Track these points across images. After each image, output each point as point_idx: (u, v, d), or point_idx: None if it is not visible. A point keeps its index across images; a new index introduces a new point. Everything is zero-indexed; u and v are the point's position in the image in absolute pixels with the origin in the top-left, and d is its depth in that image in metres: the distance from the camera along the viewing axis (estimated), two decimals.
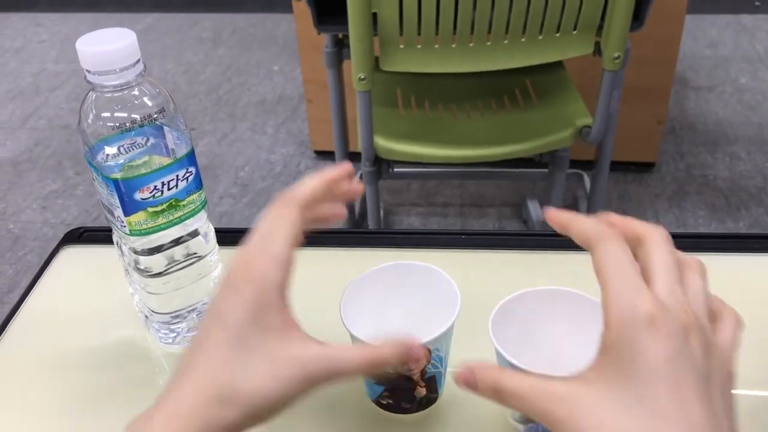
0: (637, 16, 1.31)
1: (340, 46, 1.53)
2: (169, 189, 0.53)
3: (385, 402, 0.54)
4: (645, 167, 2.09)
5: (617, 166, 1.90)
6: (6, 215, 2.08)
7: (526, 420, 0.51)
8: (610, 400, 0.34)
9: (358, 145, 1.44)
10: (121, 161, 0.52)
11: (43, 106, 2.59)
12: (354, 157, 1.77)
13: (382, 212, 1.87)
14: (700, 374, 0.34)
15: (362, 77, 1.27)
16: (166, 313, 0.60)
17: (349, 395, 0.57)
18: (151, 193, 0.52)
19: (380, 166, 1.52)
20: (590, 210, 1.78)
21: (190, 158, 0.54)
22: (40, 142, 2.39)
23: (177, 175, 0.53)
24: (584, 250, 0.67)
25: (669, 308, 0.35)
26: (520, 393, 0.36)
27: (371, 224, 1.66)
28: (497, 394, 0.37)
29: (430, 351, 0.50)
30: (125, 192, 0.52)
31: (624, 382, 0.34)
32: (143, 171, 0.52)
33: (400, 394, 0.53)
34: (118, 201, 0.52)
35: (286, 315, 0.40)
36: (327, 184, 0.45)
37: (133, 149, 0.52)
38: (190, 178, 0.54)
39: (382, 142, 1.41)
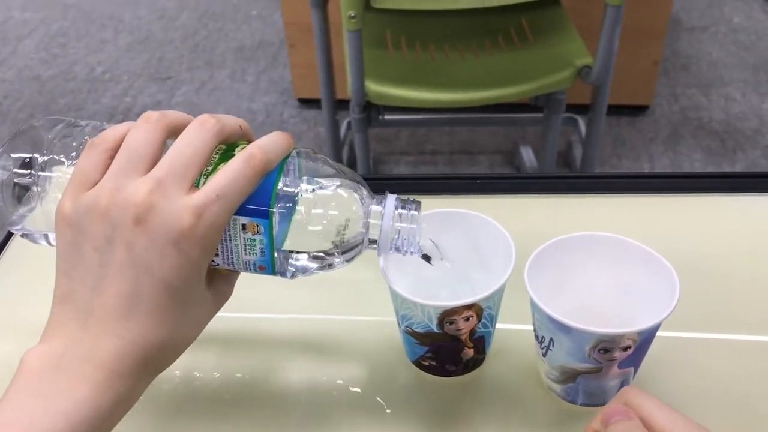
0: None
1: None
2: None
3: (427, 363, 0.49)
4: (638, 110, 2.04)
5: (610, 110, 1.84)
6: None
7: (563, 380, 0.46)
8: None
9: (346, 90, 1.37)
10: None
11: (11, 56, 2.47)
12: (340, 105, 1.70)
13: (371, 161, 1.81)
14: None
15: (352, 15, 1.19)
16: None
17: (386, 356, 0.52)
18: None
19: (369, 113, 1.45)
20: (586, 156, 1.73)
21: None
22: (9, 95, 2.28)
23: None
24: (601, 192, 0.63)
25: None
26: None
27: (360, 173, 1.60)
28: None
29: (482, 309, 0.45)
30: None
31: None
32: None
33: (445, 356, 0.48)
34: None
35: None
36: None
37: None
38: None
39: (374, 86, 1.34)
